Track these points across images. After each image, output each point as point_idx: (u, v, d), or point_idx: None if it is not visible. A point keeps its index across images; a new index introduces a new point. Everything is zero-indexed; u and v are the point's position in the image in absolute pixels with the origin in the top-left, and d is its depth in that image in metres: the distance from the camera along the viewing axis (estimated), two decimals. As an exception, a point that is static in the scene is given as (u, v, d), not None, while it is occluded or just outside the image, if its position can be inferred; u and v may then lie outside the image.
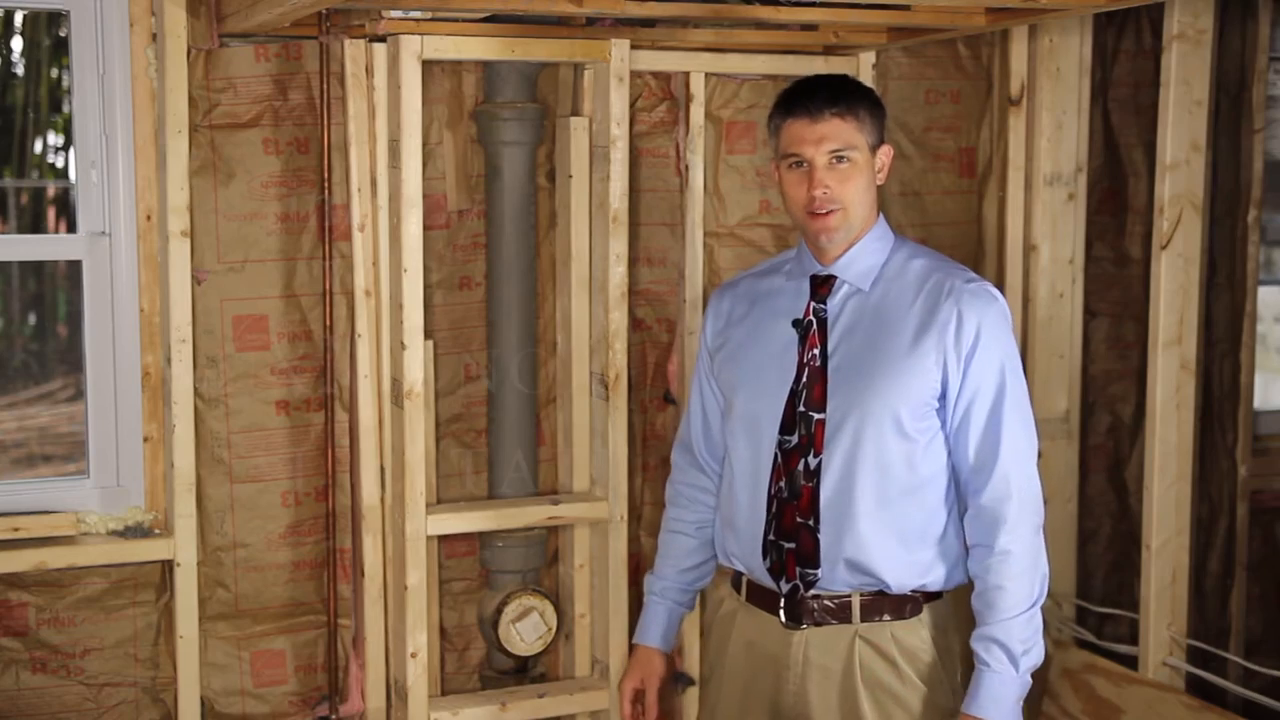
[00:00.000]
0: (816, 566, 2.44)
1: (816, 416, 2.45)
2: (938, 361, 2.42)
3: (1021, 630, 2.37)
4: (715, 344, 2.64)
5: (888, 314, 2.47)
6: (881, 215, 2.54)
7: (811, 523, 2.43)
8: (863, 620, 2.46)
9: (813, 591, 2.46)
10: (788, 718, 2.50)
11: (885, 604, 2.46)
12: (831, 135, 2.43)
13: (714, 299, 2.69)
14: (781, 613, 2.49)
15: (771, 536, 2.47)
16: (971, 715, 2.37)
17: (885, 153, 2.52)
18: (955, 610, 2.55)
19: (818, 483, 2.44)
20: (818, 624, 2.47)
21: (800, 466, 2.45)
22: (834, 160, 2.44)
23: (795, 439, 2.46)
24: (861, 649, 2.45)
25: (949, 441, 2.45)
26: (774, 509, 2.47)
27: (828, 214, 2.44)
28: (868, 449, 2.41)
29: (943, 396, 2.43)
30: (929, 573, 2.46)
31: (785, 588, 2.48)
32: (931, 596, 2.49)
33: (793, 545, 2.45)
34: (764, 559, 2.49)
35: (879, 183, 2.51)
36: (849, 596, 2.45)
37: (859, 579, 2.44)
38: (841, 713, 2.46)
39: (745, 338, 2.58)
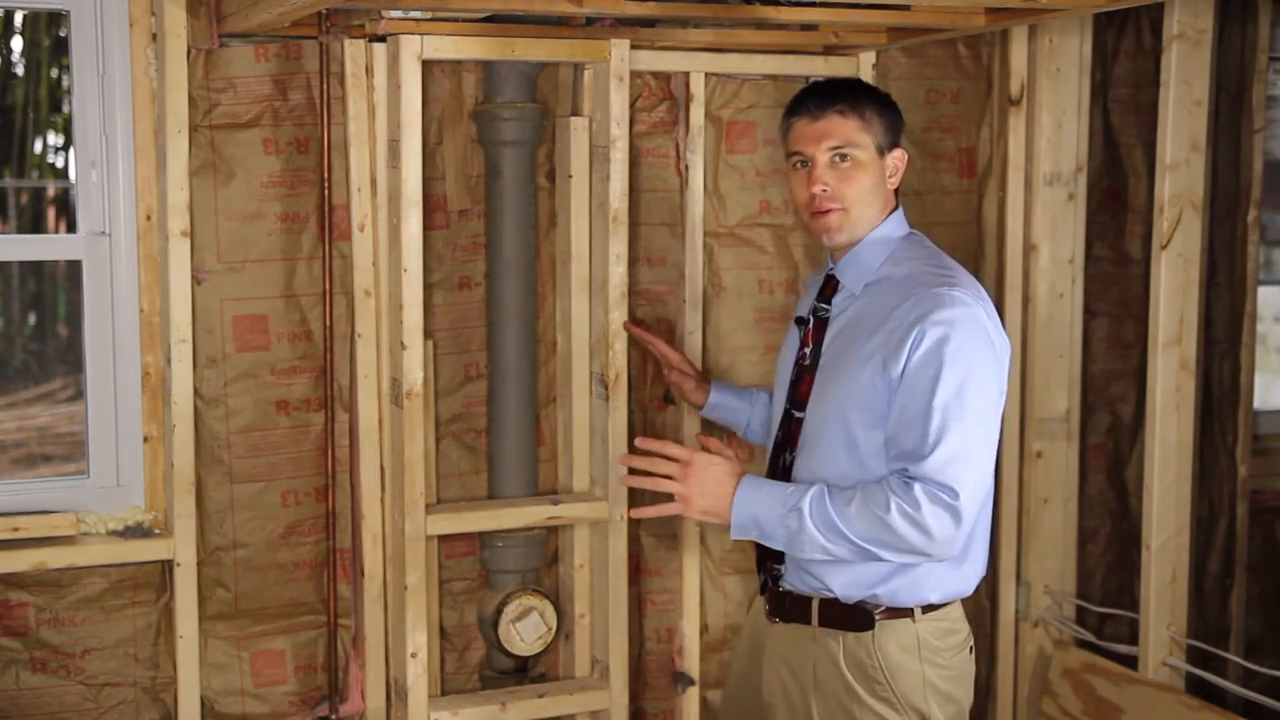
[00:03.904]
0: (781, 562, 2.48)
1: (797, 415, 2.48)
2: (880, 371, 2.32)
3: (838, 524, 2.27)
4: None
5: (864, 319, 2.42)
6: (894, 217, 2.51)
7: None
8: (820, 624, 2.45)
9: (784, 586, 2.49)
10: (764, 705, 2.55)
11: (838, 612, 2.42)
12: (832, 132, 2.43)
13: None
14: (765, 603, 2.56)
15: None
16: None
17: (899, 157, 2.49)
18: (933, 639, 2.43)
19: (789, 480, 2.48)
20: (786, 619, 2.50)
21: (780, 463, 2.50)
22: (835, 158, 2.43)
23: (782, 435, 2.52)
24: (818, 652, 2.45)
25: (889, 451, 2.34)
26: None
27: (827, 212, 2.44)
28: (822, 453, 2.41)
29: (887, 406, 2.32)
30: (877, 585, 2.38)
31: (762, 579, 2.56)
32: (897, 614, 2.40)
33: None
34: (755, 548, 2.56)
35: (891, 186, 2.50)
36: (810, 598, 2.46)
37: (812, 582, 2.44)
38: (798, 711, 2.47)
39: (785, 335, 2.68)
